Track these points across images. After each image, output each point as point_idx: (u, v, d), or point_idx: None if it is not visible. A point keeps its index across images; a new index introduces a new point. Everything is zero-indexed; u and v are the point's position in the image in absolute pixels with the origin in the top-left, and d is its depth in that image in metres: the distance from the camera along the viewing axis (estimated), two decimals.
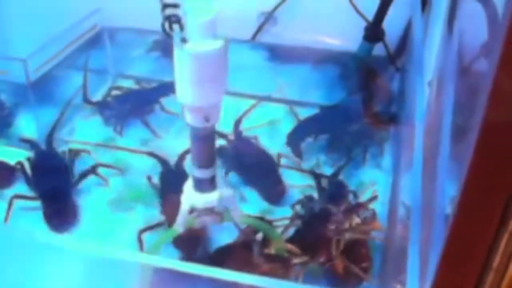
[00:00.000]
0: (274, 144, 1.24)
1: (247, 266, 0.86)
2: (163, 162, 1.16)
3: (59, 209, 1.09)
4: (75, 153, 1.19)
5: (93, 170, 1.15)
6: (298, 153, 1.22)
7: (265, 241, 0.91)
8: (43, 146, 1.21)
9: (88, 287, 0.78)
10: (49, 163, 1.17)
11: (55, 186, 1.12)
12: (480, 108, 0.40)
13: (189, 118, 0.74)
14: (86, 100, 1.34)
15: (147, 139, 1.27)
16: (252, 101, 1.36)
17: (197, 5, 0.68)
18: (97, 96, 1.38)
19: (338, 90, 1.37)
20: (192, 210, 0.83)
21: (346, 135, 1.23)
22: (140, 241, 1.00)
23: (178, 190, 1.02)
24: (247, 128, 1.26)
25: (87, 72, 1.34)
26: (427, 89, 1.00)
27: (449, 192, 0.74)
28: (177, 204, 0.94)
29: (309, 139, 1.25)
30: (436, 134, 0.90)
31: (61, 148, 1.22)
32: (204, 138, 0.76)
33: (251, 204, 1.11)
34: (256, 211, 1.09)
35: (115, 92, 1.38)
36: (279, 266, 0.87)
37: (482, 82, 0.49)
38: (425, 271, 0.67)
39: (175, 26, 0.71)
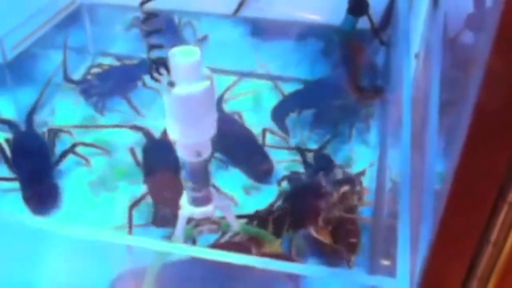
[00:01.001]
0: (258, 120, 1.22)
1: None
2: (146, 133, 1.15)
3: (40, 191, 1.07)
4: (55, 133, 1.16)
5: (72, 149, 1.12)
6: (283, 128, 1.20)
7: (261, 243, 0.91)
8: (22, 127, 1.18)
9: (71, 270, 0.77)
10: (29, 144, 1.14)
11: (35, 168, 1.10)
12: (472, 87, 0.38)
13: (181, 153, 0.76)
14: (67, 78, 1.31)
15: (129, 117, 1.24)
16: (234, 78, 1.34)
17: (181, 48, 0.71)
18: (77, 75, 1.35)
19: (323, 65, 1.35)
20: (190, 220, 0.85)
21: (331, 110, 1.22)
22: (130, 216, 0.99)
23: (163, 162, 1.03)
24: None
25: (67, 50, 1.30)
26: (413, 61, 0.99)
27: (438, 166, 0.74)
28: (161, 177, 0.98)
29: (294, 114, 1.23)
30: (424, 107, 0.89)
31: (41, 129, 1.19)
32: (197, 170, 0.79)
33: (235, 182, 1.09)
34: (240, 189, 1.08)
35: (95, 70, 1.35)
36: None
37: (473, 61, 0.48)
38: (415, 246, 0.66)
39: (162, 70, 0.73)
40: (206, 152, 0.77)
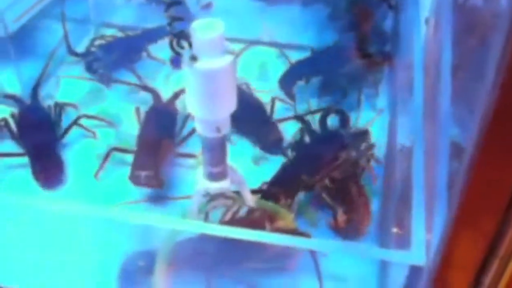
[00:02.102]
0: (266, 88, 1.21)
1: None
2: (155, 96, 1.16)
3: (47, 165, 1.06)
4: (61, 107, 1.15)
5: (76, 122, 1.11)
6: (291, 96, 1.18)
7: (274, 218, 0.90)
8: (27, 101, 1.16)
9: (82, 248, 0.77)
10: (35, 119, 1.13)
11: (42, 142, 1.09)
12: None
13: (200, 129, 0.76)
14: (71, 51, 1.29)
15: (135, 89, 1.22)
16: (240, 46, 1.32)
17: (204, 21, 0.68)
18: (81, 47, 1.33)
19: (330, 31, 1.33)
20: (205, 194, 0.85)
21: (339, 77, 1.20)
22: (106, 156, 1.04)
23: (160, 127, 1.06)
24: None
25: (66, 23, 1.28)
26: (424, 26, 0.96)
27: (451, 131, 0.72)
28: (152, 141, 1.02)
29: (301, 82, 1.21)
30: (436, 74, 0.87)
31: (47, 103, 1.17)
32: (216, 146, 0.78)
33: (243, 153, 1.09)
34: (249, 160, 1.08)
35: (99, 42, 1.33)
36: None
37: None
38: (430, 214, 0.65)
39: (184, 44, 0.71)
40: (226, 128, 0.76)
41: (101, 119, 1.14)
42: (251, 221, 0.91)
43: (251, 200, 0.89)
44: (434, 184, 0.71)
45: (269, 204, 0.93)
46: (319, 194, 0.97)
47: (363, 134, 1.06)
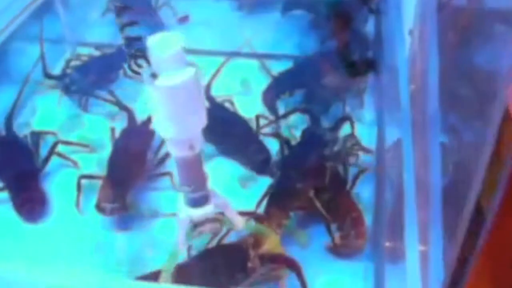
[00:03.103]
0: (250, 103, 1.18)
1: (242, 267, 0.85)
2: (130, 117, 1.13)
3: (29, 197, 1.02)
4: (38, 136, 1.11)
5: (54, 149, 1.08)
6: (274, 111, 1.16)
7: (259, 243, 0.88)
8: (2, 132, 1.12)
9: None
10: (11, 150, 1.09)
11: (21, 174, 1.05)
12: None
13: (173, 149, 0.72)
14: (46, 74, 1.24)
15: (114, 111, 1.19)
16: (220, 58, 1.28)
17: (160, 36, 0.65)
18: (56, 69, 1.29)
19: (311, 39, 1.30)
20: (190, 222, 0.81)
21: (322, 88, 1.17)
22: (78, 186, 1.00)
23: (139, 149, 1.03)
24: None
25: (43, 44, 1.24)
26: (408, 38, 0.94)
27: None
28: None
29: (285, 96, 1.18)
30: (423, 82, 0.85)
31: (23, 131, 1.13)
32: (192, 166, 0.74)
33: (229, 174, 1.06)
34: (236, 181, 1.05)
35: (74, 63, 1.29)
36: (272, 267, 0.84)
37: None
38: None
39: (142, 62, 0.67)
40: (199, 145, 0.71)
41: (79, 144, 1.10)
42: (236, 247, 0.88)
43: (239, 222, 0.85)
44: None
45: (258, 227, 0.91)
46: (309, 212, 0.95)
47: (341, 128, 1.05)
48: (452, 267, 0.47)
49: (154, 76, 0.65)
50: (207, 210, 0.79)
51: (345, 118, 1.07)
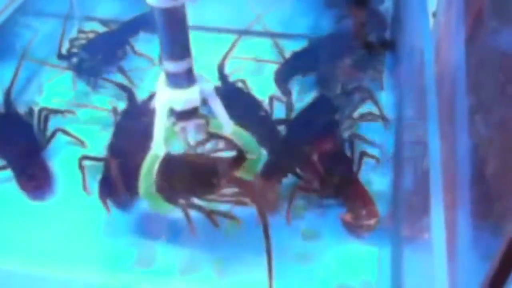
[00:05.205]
0: (263, 84, 1.14)
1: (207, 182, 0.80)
2: (129, 95, 1.09)
3: (34, 174, 0.99)
4: (46, 115, 1.08)
5: (54, 135, 1.05)
6: (287, 93, 1.12)
7: (237, 163, 0.82)
8: (1, 109, 1.09)
9: None
10: (12, 126, 1.06)
11: (24, 152, 1.02)
12: None
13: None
14: (60, 55, 1.22)
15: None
16: (232, 36, 1.23)
17: None
18: (63, 45, 1.24)
19: (326, 18, 1.26)
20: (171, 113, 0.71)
21: (337, 70, 1.12)
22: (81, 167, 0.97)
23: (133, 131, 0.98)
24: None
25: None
26: (431, 19, 0.90)
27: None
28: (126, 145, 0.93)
29: (299, 77, 1.14)
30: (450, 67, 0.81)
31: (30, 109, 1.09)
32: (175, 22, 0.63)
33: None
34: None
35: (81, 40, 1.25)
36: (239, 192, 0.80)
37: None
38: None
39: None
40: None
41: (74, 137, 1.06)
42: (210, 160, 0.83)
43: (228, 125, 0.78)
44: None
45: (245, 136, 0.83)
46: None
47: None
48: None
49: None
50: (191, 95, 0.68)
51: (361, 88, 1.04)
